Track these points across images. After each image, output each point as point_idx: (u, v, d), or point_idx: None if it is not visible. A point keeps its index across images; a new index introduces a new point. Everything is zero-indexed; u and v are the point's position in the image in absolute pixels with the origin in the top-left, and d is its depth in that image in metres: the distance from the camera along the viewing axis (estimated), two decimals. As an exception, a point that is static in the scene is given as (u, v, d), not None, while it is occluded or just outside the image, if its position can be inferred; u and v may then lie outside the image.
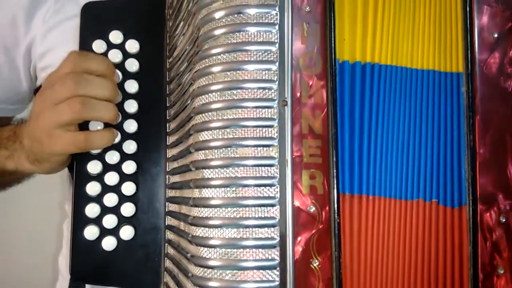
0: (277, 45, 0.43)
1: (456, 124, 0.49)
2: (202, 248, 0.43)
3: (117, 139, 0.59)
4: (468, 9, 0.50)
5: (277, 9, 0.43)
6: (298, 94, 0.43)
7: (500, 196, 0.48)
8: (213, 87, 0.44)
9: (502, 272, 0.47)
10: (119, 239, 0.58)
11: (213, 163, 0.43)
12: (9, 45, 0.69)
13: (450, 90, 0.50)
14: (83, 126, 0.57)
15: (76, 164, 0.59)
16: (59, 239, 0.78)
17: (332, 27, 0.45)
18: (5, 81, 0.71)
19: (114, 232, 0.58)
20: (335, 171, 0.43)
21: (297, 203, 0.42)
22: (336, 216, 0.42)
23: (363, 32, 0.48)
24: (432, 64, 0.50)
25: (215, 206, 0.42)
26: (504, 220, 0.48)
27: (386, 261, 0.45)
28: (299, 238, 0.41)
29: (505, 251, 0.48)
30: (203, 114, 0.45)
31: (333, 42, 0.45)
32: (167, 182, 0.59)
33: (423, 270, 0.46)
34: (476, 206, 0.47)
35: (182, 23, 0.57)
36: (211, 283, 0.41)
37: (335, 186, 0.43)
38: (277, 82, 0.43)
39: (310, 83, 0.44)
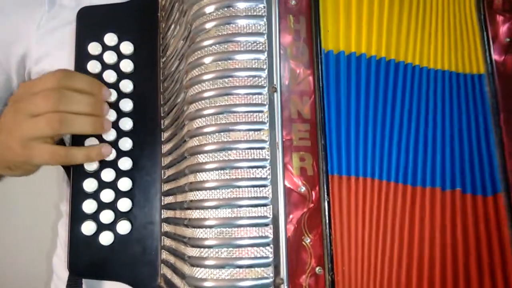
0: (265, 36, 0.46)
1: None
2: (198, 229, 0.44)
3: (112, 156, 0.60)
4: (482, 17, 0.57)
5: (264, 2, 0.46)
6: (287, 82, 0.46)
7: None
8: (205, 77, 0.46)
9: None
10: (116, 234, 0.59)
11: (207, 148, 0.45)
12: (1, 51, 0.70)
13: (458, 88, 0.54)
14: (79, 140, 0.58)
15: (73, 162, 0.61)
16: (54, 239, 0.78)
17: (317, 19, 0.48)
18: None
19: (111, 227, 0.59)
20: (323, 153, 0.45)
21: (288, 184, 0.44)
22: (325, 196, 0.44)
23: (346, 23, 0.51)
24: (426, 61, 0.54)
25: (210, 189, 0.44)
26: None
27: (378, 239, 0.47)
28: (290, 217, 0.43)
29: None
30: (197, 103, 0.47)
31: (318, 33, 0.47)
32: (162, 176, 0.61)
33: (419, 251, 0.48)
34: (510, 193, 0.52)
35: (174, 23, 0.59)
36: (207, 262, 0.43)
37: (324, 168, 0.45)
38: (266, 70, 0.45)
39: (298, 71, 0.46)
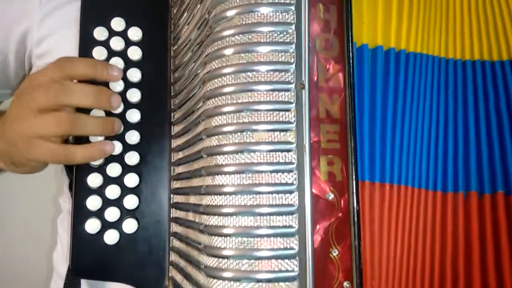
0: (293, 26, 0.41)
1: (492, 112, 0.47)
2: (215, 237, 0.41)
3: (118, 150, 0.56)
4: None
5: (293, -11, 0.42)
6: (315, 78, 0.41)
7: None
8: (226, 70, 0.42)
9: None
10: (121, 233, 0.56)
11: (226, 148, 0.41)
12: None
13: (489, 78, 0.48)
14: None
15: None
16: (53, 234, 0.75)
17: (349, 9, 0.43)
18: None
19: (117, 225, 0.56)
20: (353, 157, 0.41)
21: (315, 190, 0.40)
22: (355, 204, 0.41)
23: (386, 16, 0.46)
24: (469, 54, 0.48)
25: (230, 194, 0.40)
26: None
27: (410, 252, 0.43)
28: (317, 227, 0.40)
29: None
30: (215, 99, 0.43)
31: (350, 24, 0.43)
32: (172, 173, 0.57)
33: (455, 262, 0.44)
34: None
35: (188, 9, 0.55)
36: (225, 274, 0.39)
37: (354, 173, 0.41)
38: (294, 64, 0.41)
39: (327, 66, 0.42)
